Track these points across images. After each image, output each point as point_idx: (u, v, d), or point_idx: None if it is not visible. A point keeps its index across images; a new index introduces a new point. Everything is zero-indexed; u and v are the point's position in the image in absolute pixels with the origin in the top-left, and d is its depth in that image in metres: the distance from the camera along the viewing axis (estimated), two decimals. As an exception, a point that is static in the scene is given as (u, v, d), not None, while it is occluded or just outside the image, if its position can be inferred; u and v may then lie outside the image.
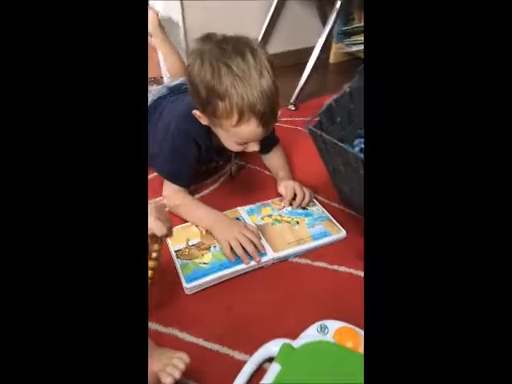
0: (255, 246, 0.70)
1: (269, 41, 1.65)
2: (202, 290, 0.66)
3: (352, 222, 0.80)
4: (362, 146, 0.80)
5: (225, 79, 0.63)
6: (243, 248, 0.69)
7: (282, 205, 0.84)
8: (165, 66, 1.18)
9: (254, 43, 0.67)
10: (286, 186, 0.85)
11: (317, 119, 0.71)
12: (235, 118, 0.65)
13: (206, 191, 0.92)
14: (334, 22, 1.29)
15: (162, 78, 1.21)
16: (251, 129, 0.67)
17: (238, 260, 0.69)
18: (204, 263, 0.69)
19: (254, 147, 0.74)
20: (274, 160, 0.95)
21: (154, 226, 0.52)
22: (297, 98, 1.31)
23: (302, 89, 1.31)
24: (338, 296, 0.65)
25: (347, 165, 0.66)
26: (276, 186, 0.89)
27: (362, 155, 0.59)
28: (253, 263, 0.69)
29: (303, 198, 0.83)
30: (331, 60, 1.78)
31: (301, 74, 1.32)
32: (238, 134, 0.69)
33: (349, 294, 0.65)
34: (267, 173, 0.98)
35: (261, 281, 0.69)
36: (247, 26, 1.54)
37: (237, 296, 0.66)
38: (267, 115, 0.66)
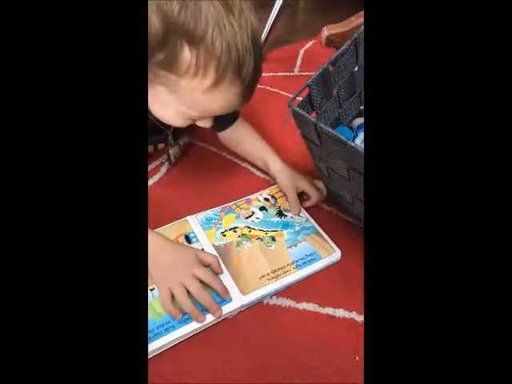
0: (215, 291, 0.47)
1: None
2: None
3: (350, 232, 0.58)
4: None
5: (206, 11, 0.38)
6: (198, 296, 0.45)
7: (251, 210, 0.60)
8: None
9: None
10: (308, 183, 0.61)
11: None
12: (211, 77, 0.40)
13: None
14: None
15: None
16: (228, 96, 0.43)
17: (187, 317, 0.45)
18: (135, 322, 0.45)
19: (205, 123, 0.51)
20: (249, 137, 0.67)
21: None
22: (264, 44, 1.01)
23: (270, 32, 1.00)
24: (338, 360, 0.44)
25: (352, 170, 0.42)
26: (242, 174, 0.66)
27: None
28: (210, 319, 0.46)
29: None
30: (303, -7, 1.45)
31: (263, 9, 1.01)
32: (201, 103, 0.44)
33: (348, 359, 0.44)
34: (228, 156, 0.72)
35: (223, 339, 0.46)
36: None
37: (183, 363, 0.43)
38: (255, 75, 0.43)
